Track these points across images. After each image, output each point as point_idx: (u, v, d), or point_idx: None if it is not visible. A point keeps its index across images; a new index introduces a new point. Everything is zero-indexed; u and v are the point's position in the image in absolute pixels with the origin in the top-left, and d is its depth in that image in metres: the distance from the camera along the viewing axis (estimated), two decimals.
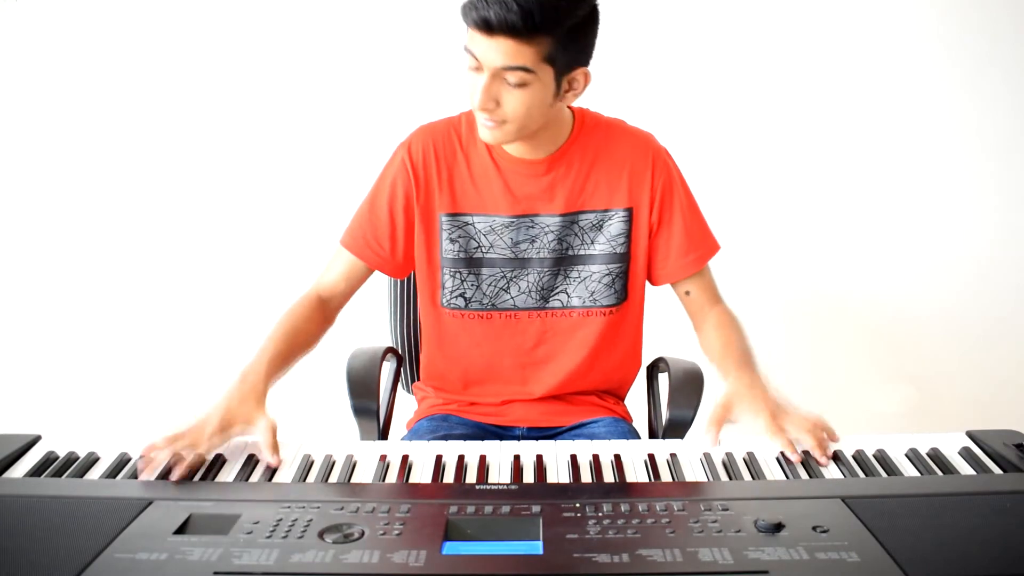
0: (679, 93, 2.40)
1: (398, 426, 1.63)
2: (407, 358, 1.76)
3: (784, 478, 1.11)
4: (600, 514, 0.94)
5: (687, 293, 1.51)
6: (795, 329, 2.60)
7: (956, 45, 2.41)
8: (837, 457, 1.16)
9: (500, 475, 1.13)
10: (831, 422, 1.23)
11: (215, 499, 1.00)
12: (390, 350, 1.68)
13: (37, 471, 1.11)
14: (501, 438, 1.46)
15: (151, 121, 2.41)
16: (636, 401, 1.66)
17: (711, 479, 1.11)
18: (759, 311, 2.46)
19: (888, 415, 2.50)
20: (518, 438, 1.52)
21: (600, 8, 1.29)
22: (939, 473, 1.11)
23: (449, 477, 1.13)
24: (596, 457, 1.16)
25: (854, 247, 2.53)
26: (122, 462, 1.14)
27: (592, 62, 1.33)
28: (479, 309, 1.48)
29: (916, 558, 0.85)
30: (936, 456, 1.15)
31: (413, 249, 1.48)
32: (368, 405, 1.49)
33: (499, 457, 1.17)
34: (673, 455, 1.17)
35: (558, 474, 1.13)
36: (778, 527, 0.91)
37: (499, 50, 1.22)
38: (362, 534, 0.90)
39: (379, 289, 1.71)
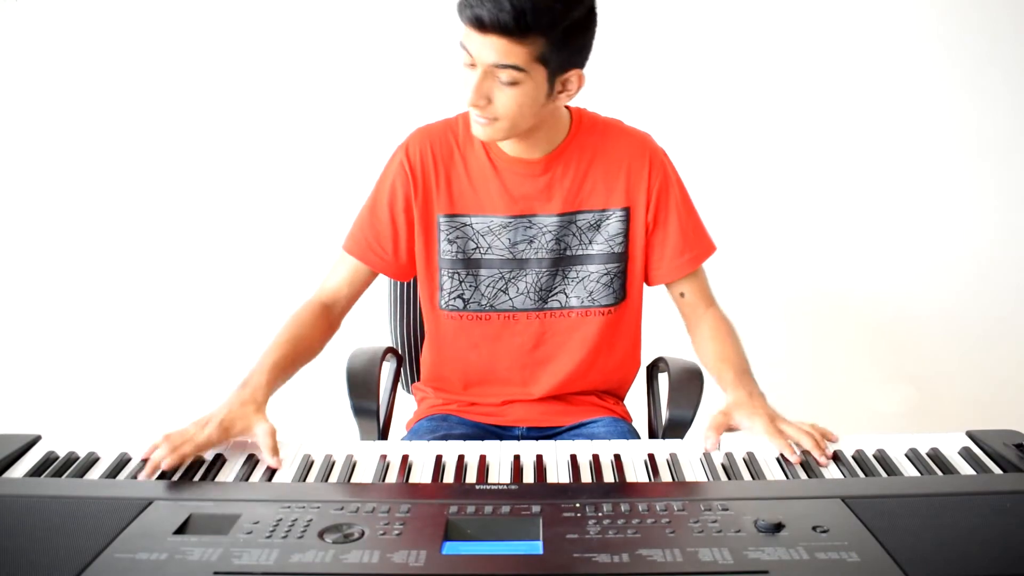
0: (679, 93, 2.40)
1: (398, 426, 1.63)
2: (407, 358, 1.76)
3: (784, 478, 1.11)
4: (600, 514, 0.94)
5: (681, 295, 1.51)
6: (795, 329, 2.60)
7: (956, 45, 2.41)
8: (837, 457, 1.16)
9: (500, 475, 1.13)
10: (831, 422, 1.23)
11: (215, 499, 1.00)
12: (390, 350, 1.68)
13: (37, 471, 1.11)
14: (501, 438, 1.46)
15: (152, 125, 2.41)
16: (636, 401, 1.66)
17: (711, 479, 1.11)
18: (759, 311, 2.47)
19: (888, 415, 2.50)
20: (518, 438, 1.52)
21: (599, 10, 1.29)
22: (939, 473, 1.11)
23: (449, 477, 1.13)
24: (596, 457, 1.16)
25: (854, 247, 2.53)
26: (122, 462, 1.14)
27: (591, 62, 1.33)
28: (477, 310, 1.48)
29: (916, 558, 0.85)
30: (936, 456, 1.15)
31: (415, 251, 1.48)
32: (368, 405, 1.49)
33: (499, 457, 1.17)
34: (673, 455, 1.17)
35: (558, 474, 1.13)
36: (778, 527, 0.91)
37: (491, 48, 1.23)
38: (362, 534, 0.90)
39: (379, 290, 1.71)
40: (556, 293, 1.48)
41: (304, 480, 1.11)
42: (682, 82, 2.40)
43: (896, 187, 2.50)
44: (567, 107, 1.45)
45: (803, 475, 1.12)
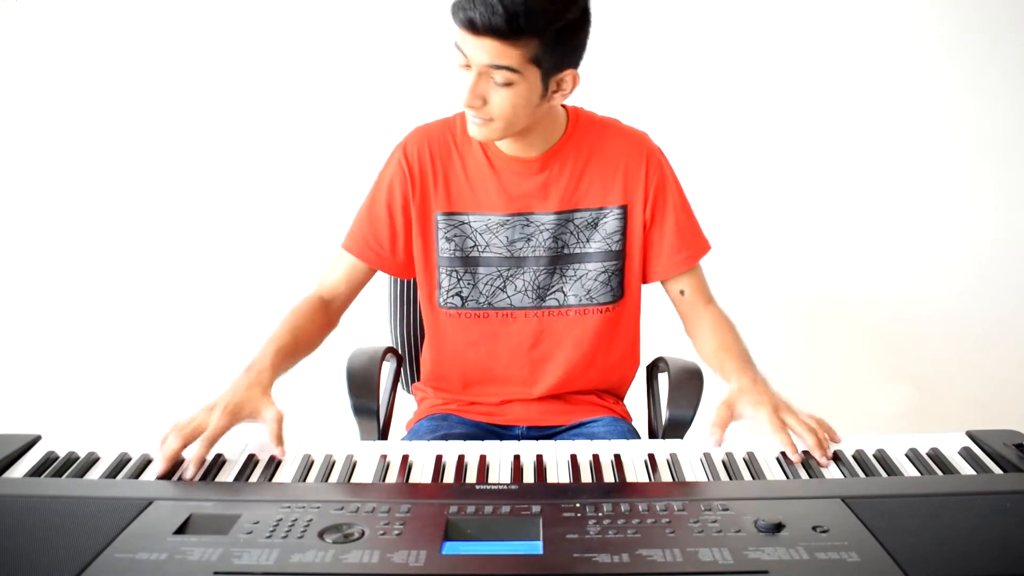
0: (679, 94, 2.40)
1: (398, 426, 1.63)
2: (407, 358, 1.76)
3: (784, 478, 1.11)
4: (600, 514, 0.94)
5: (681, 292, 1.51)
6: (795, 329, 2.60)
7: (956, 45, 2.41)
8: (837, 457, 1.16)
9: (500, 475, 1.13)
10: (831, 422, 1.23)
11: (215, 499, 1.00)
12: (390, 350, 1.68)
13: (37, 471, 1.11)
14: (501, 438, 1.46)
15: (151, 124, 2.41)
16: (636, 401, 1.66)
17: (711, 479, 1.11)
18: (759, 311, 2.47)
19: (888, 415, 2.50)
20: (518, 438, 1.52)
21: (594, 10, 1.29)
22: (939, 473, 1.11)
23: (449, 477, 1.13)
24: (596, 457, 1.16)
25: (854, 247, 2.53)
26: (122, 462, 1.14)
27: (588, 63, 1.34)
28: (476, 308, 1.48)
29: (916, 558, 0.85)
30: (936, 456, 1.15)
31: (412, 249, 1.48)
32: (368, 405, 1.49)
33: (499, 457, 1.17)
34: (673, 455, 1.17)
35: (558, 474, 1.13)
36: (778, 527, 0.91)
37: (485, 50, 1.24)
38: (362, 534, 0.90)
39: (379, 289, 1.71)
40: (554, 291, 1.48)
41: (304, 480, 1.11)
42: (682, 82, 2.40)
43: (896, 187, 2.50)
44: (564, 106, 1.45)
45: (803, 475, 1.12)
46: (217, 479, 1.11)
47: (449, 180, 1.45)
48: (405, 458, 1.16)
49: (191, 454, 1.12)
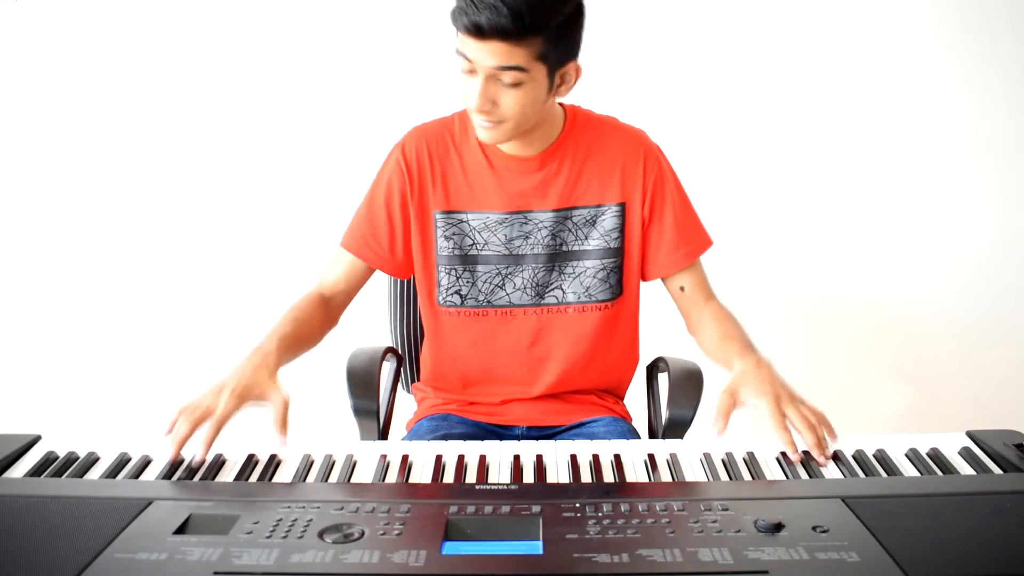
0: (679, 95, 2.40)
1: (398, 426, 1.63)
2: (407, 358, 1.76)
3: (784, 478, 1.11)
4: (600, 514, 0.94)
5: (682, 288, 1.51)
6: (795, 329, 2.60)
7: (956, 45, 2.41)
8: (837, 457, 1.16)
9: (500, 475, 1.13)
10: (831, 422, 1.23)
11: (215, 499, 1.00)
12: (390, 350, 1.68)
13: (37, 471, 1.11)
14: (501, 437, 1.46)
15: (150, 122, 2.41)
16: (636, 401, 1.66)
17: (711, 479, 1.11)
18: (758, 311, 2.47)
19: (888, 415, 2.50)
20: (518, 437, 1.52)
21: (591, 5, 1.31)
22: (939, 473, 1.11)
23: (449, 477, 1.13)
24: (596, 457, 1.16)
25: (854, 247, 2.53)
26: (122, 462, 1.14)
27: (587, 61, 1.34)
28: (475, 306, 1.48)
29: (916, 558, 0.85)
30: (936, 456, 1.15)
31: (411, 248, 1.48)
32: (368, 405, 1.49)
33: (499, 457, 1.17)
34: (673, 455, 1.17)
35: (558, 474, 1.13)
36: (778, 527, 0.91)
37: (492, 52, 1.23)
38: (362, 534, 0.90)
39: (379, 289, 1.71)
40: (553, 288, 1.48)
41: (304, 480, 1.11)
42: (681, 82, 2.40)
43: (896, 187, 2.50)
44: (561, 104, 1.46)
45: (803, 475, 1.12)
46: (217, 479, 1.11)
47: (447, 178, 1.45)
48: (405, 458, 1.16)
49: (200, 437, 1.12)
